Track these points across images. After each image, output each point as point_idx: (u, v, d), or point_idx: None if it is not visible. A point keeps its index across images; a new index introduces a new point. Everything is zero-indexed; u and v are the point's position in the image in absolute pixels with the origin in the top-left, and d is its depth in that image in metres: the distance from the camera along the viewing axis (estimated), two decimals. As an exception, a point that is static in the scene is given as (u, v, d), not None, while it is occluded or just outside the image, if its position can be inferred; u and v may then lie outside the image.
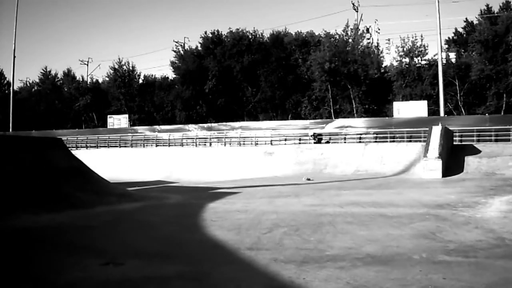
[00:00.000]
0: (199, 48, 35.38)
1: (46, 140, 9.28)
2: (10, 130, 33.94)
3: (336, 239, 4.10)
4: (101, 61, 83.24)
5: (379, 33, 32.08)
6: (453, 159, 13.87)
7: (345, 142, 20.58)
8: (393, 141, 18.68)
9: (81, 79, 42.91)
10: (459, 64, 27.54)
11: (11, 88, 36.97)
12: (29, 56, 73.99)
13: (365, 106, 28.08)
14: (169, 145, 24.91)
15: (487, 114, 22.01)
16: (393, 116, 23.78)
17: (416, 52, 28.10)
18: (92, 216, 5.78)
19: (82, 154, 18.13)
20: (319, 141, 20.92)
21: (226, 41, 33.96)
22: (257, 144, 22.48)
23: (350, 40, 29.73)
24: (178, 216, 6.04)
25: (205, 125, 26.94)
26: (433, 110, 25.00)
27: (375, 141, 19.65)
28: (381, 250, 3.62)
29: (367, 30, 30.67)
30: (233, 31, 33.91)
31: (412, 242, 3.87)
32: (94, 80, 43.10)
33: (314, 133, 21.21)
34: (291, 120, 27.96)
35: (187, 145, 24.94)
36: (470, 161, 13.72)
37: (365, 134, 20.91)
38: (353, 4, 33.97)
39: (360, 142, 20.10)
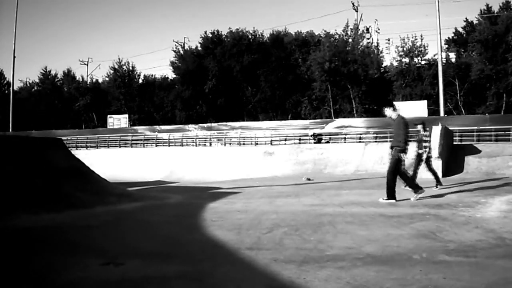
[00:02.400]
0: (199, 48, 35.42)
1: (46, 140, 9.27)
2: (10, 130, 33.96)
3: (336, 239, 4.10)
4: (101, 61, 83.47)
5: (379, 33, 32.14)
6: (453, 159, 13.87)
7: (345, 142, 20.60)
8: (393, 141, 18.65)
9: (81, 79, 43.01)
10: (459, 64, 27.56)
11: (11, 88, 37.01)
12: (29, 56, 74.13)
13: (365, 106, 28.10)
14: (169, 145, 24.92)
15: (487, 114, 22.02)
16: (393, 116, 23.73)
17: (416, 52, 28.14)
18: (92, 216, 5.78)
19: (82, 154, 18.12)
20: (319, 141, 20.93)
21: (226, 41, 33.98)
22: (257, 144, 22.49)
23: (350, 40, 29.75)
24: (178, 216, 6.04)
25: (205, 125, 26.95)
26: (433, 110, 25.02)
27: (375, 141, 19.65)
28: (381, 250, 3.62)
29: (367, 30, 30.72)
30: (233, 31, 33.98)
31: (412, 242, 3.87)
32: (94, 80, 43.19)
33: (314, 133, 21.22)
34: (291, 120, 27.98)
35: (187, 145, 24.95)
36: (470, 161, 13.73)
37: (365, 134, 20.93)
38: (353, 4, 34.02)
39: (360, 142, 20.11)
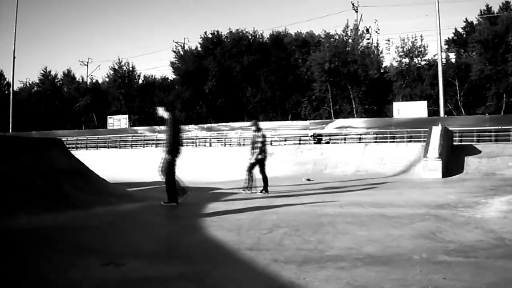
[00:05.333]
0: (199, 49, 35.44)
1: (46, 141, 9.27)
2: (10, 130, 33.97)
3: (336, 239, 4.10)
4: (101, 61, 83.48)
5: (378, 33, 32.10)
6: (453, 159, 13.88)
7: (345, 143, 20.60)
8: (393, 142, 18.69)
9: (81, 80, 43.02)
10: (459, 64, 27.59)
11: (11, 88, 37.02)
12: (29, 56, 74.18)
13: (365, 107, 28.12)
14: (169, 146, 24.88)
15: (487, 114, 22.03)
16: (393, 116, 23.80)
17: (416, 52, 28.16)
18: (92, 217, 5.78)
19: (82, 155, 18.10)
20: (319, 141, 20.93)
21: (226, 42, 34.00)
22: (257, 144, 22.44)
23: (350, 40, 29.78)
24: (178, 216, 6.05)
25: (205, 125, 26.94)
26: (433, 110, 25.04)
27: (375, 142, 19.67)
28: (381, 250, 3.62)
29: (367, 30, 30.70)
30: (233, 31, 34.00)
31: (412, 242, 3.87)
32: (94, 80, 43.21)
33: (314, 134, 21.22)
34: (291, 120, 27.98)
35: (187, 145, 24.93)
36: (470, 161, 13.73)
37: (365, 134, 20.93)
38: (352, 4, 33.98)
39: (360, 142, 20.11)
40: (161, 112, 7.03)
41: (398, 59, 28.50)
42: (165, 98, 35.80)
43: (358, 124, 22.05)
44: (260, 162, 8.88)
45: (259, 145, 8.83)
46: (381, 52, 30.56)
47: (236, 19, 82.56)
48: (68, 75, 42.27)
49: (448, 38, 31.75)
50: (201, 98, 33.40)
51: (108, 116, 33.53)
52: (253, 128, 9.11)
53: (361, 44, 29.83)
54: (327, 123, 22.88)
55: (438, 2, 23.50)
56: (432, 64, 26.96)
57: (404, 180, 12.28)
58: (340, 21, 73.41)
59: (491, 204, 6.29)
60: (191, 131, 26.20)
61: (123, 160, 21.72)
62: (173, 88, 36.36)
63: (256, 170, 9.17)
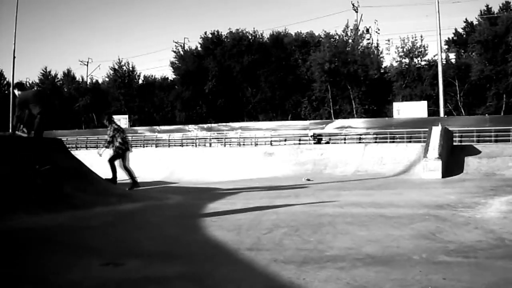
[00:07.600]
0: (199, 49, 35.46)
1: (46, 141, 9.26)
2: (10, 130, 33.91)
3: (336, 239, 4.10)
4: (101, 61, 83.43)
5: (379, 33, 32.10)
6: (453, 160, 13.87)
7: (345, 143, 20.59)
8: (393, 142, 18.68)
9: (81, 80, 43.01)
10: (459, 65, 27.62)
11: (11, 88, 36.95)
12: (29, 56, 74.12)
13: (365, 107, 28.14)
14: (169, 146, 24.89)
15: (487, 115, 22.04)
16: (393, 116, 23.80)
17: (416, 52, 28.18)
18: (92, 217, 5.78)
19: (82, 155, 18.10)
20: (319, 141, 20.92)
21: (226, 42, 34.02)
22: (257, 144, 22.47)
23: (350, 41, 29.80)
24: (178, 216, 6.05)
25: (205, 125, 26.92)
26: (433, 111, 25.05)
27: (375, 142, 19.65)
28: (381, 250, 3.62)
29: (367, 30, 30.71)
30: (233, 31, 34.02)
31: (412, 243, 3.87)
32: (94, 80, 43.20)
33: (314, 134, 21.22)
34: (291, 120, 27.98)
35: (187, 145, 24.92)
36: (470, 162, 13.72)
37: (365, 134, 20.92)
38: (352, 4, 33.97)
39: (360, 142, 20.10)
40: (17, 93, 7.26)
41: (398, 59, 28.55)
42: (165, 98, 35.82)
43: (358, 124, 22.03)
44: (121, 155, 8.80)
45: (110, 138, 8.86)
46: (381, 52, 30.60)
47: (236, 19, 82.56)
48: (68, 75, 42.26)
49: (448, 38, 31.79)
50: (201, 98, 33.41)
51: (108, 116, 33.52)
52: (106, 123, 9.19)
53: (361, 44, 29.84)
54: (327, 123, 22.86)
55: (438, 2, 23.50)
56: (432, 64, 26.96)
57: (404, 180, 12.27)
58: (340, 21, 73.39)
59: (491, 205, 6.29)
60: (191, 131, 26.18)
61: (123, 160, 21.66)
62: (173, 88, 36.36)
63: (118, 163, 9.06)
